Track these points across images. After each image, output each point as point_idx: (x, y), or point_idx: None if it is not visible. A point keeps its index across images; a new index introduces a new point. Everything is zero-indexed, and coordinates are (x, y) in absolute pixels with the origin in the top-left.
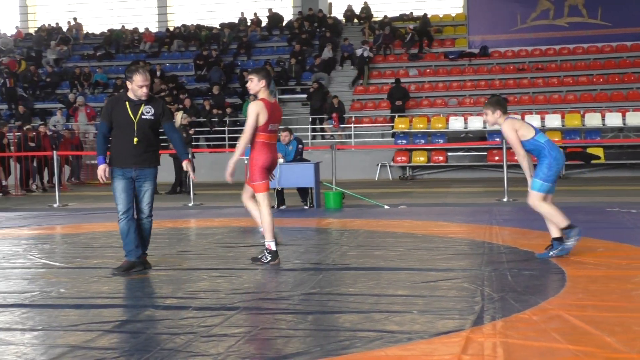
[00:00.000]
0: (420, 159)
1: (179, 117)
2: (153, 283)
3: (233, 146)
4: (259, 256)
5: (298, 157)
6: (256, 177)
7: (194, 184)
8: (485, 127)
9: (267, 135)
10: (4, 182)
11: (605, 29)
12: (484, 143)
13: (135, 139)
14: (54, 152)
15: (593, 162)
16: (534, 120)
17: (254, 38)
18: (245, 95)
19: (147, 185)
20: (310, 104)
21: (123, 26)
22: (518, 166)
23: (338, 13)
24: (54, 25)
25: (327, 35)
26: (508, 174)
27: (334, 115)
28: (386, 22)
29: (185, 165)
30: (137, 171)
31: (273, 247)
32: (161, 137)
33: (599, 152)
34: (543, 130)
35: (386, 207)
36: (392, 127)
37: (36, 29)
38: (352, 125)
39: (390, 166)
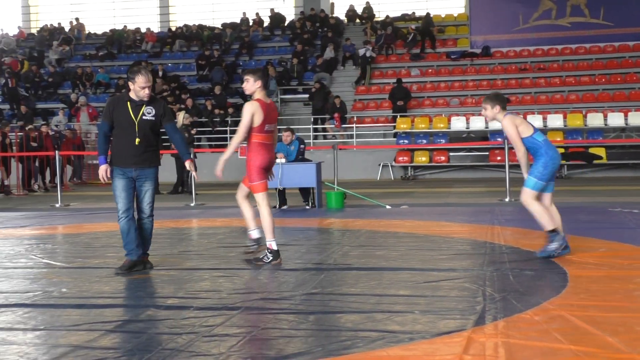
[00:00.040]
0: (422, 159)
1: (181, 117)
2: (155, 283)
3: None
4: (261, 256)
5: (300, 157)
6: (254, 178)
7: (196, 184)
8: (487, 127)
9: (264, 136)
10: (5, 182)
11: (607, 28)
12: (486, 143)
13: (137, 140)
14: (56, 152)
15: (595, 162)
16: (536, 120)
17: (256, 38)
18: (247, 96)
19: (147, 185)
20: (312, 104)
21: (125, 26)
22: (520, 166)
23: (340, 13)
24: (56, 26)
25: (329, 35)
26: (510, 174)
27: (336, 115)
28: (388, 22)
29: (188, 165)
30: (137, 171)
31: (274, 247)
32: (163, 137)
33: (601, 152)
34: (545, 130)
35: (388, 207)
36: (394, 127)
37: (38, 29)
38: (354, 125)
39: (392, 166)
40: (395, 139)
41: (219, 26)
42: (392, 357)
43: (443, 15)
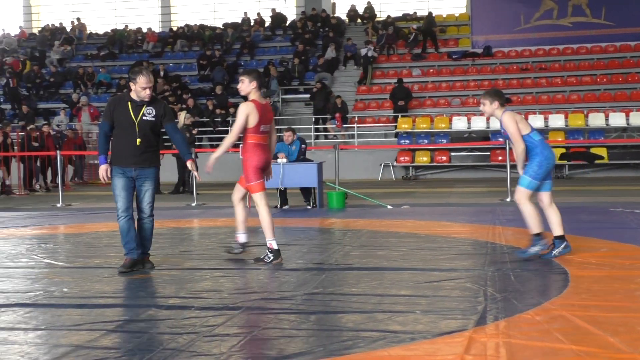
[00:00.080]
0: (423, 159)
1: (182, 117)
2: (156, 283)
3: (236, 146)
4: (262, 256)
5: (301, 157)
6: (251, 178)
7: (197, 184)
8: (488, 127)
9: (259, 137)
10: (7, 182)
11: (608, 28)
12: (487, 143)
13: (138, 140)
14: (58, 152)
15: (596, 162)
16: (538, 120)
17: (257, 38)
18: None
19: (147, 185)
20: (314, 104)
21: (126, 26)
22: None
23: (341, 13)
24: (58, 25)
25: (331, 35)
26: (511, 174)
27: (337, 115)
28: (389, 22)
29: (189, 165)
30: (137, 171)
31: (275, 246)
32: (164, 136)
33: (603, 152)
34: (546, 130)
35: (389, 207)
36: (395, 127)
37: (40, 29)
38: (355, 125)
39: (393, 166)
40: (396, 139)
41: (221, 26)
42: (393, 357)
43: (444, 15)
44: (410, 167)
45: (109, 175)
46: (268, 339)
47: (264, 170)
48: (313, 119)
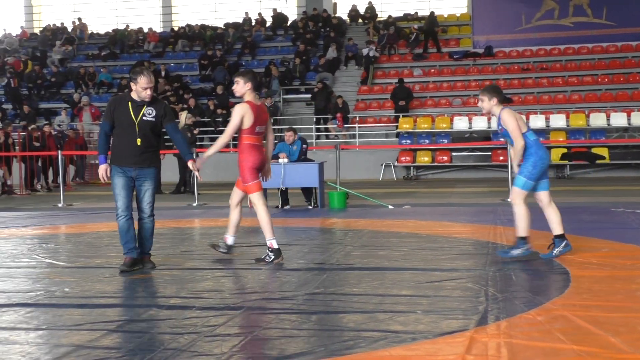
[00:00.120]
0: (424, 159)
1: (184, 117)
2: (157, 283)
3: (237, 146)
4: (263, 256)
5: (302, 157)
6: (247, 178)
7: (198, 184)
8: (489, 127)
9: (254, 138)
10: (8, 182)
11: (610, 28)
12: (489, 143)
13: (138, 140)
14: (59, 152)
15: (598, 162)
16: (539, 120)
17: (259, 38)
18: None
19: (147, 185)
20: (315, 103)
21: (127, 26)
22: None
23: (342, 13)
24: (59, 25)
25: (332, 35)
26: (512, 174)
27: (338, 115)
28: (390, 22)
29: (191, 165)
30: (136, 171)
31: (275, 245)
32: (165, 136)
33: (604, 152)
34: (548, 130)
35: (390, 207)
36: (397, 127)
37: (41, 29)
38: (357, 125)
39: (394, 166)
40: (397, 139)
41: (222, 26)
42: (394, 357)
43: (446, 15)
44: (412, 167)
45: (109, 175)
46: (269, 339)
47: (260, 171)
48: (314, 119)
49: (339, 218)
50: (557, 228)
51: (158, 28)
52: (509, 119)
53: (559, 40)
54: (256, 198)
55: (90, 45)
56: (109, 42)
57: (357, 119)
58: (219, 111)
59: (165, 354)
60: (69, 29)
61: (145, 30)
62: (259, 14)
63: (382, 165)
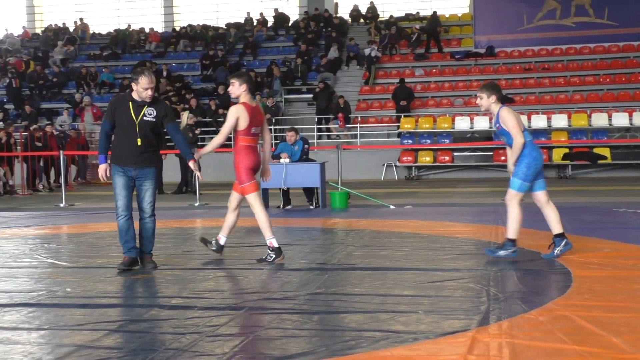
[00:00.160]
0: (426, 159)
1: (185, 117)
2: (159, 283)
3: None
4: (264, 256)
5: (304, 157)
6: (244, 179)
7: (200, 184)
8: (491, 127)
9: (250, 139)
10: (10, 182)
11: (612, 28)
12: (490, 143)
13: (139, 140)
14: (61, 152)
15: (599, 162)
16: (540, 120)
17: (260, 38)
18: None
19: (147, 185)
20: (316, 104)
21: (129, 26)
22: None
23: (344, 13)
24: (61, 26)
25: (333, 35)
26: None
27: (340, 115)
28: (392, 21)
29: (191, 165)
30: (137, 170)
31: (275, 244)
32: (167, 137)
33: (606, 152)
34: (549, 130)
35: (392, 207)
36: (398, 127)
37: (43, 29)
38: (358, 125)
39: (396, 166)
40: (399, 139)
41: (223, 26)
42: (396, 357)
43: (447, 15)
44: (413, 167)
45: (108, 175)
46: (271, 339)
47: (256, 171)
48: (316, 119)
49: (340, 218)
50: (556, 227)
51: (160, 28)
52: (509, 117)
53: (561, 40)
54: (253, 198)
55: (92, 45)
56: (111, 42)
57: (359, 119)
58: (220, 111)
59: (167, 354)
60: (71, 29)
61: (147, 30)
62: (261, 14)
63: (383, 165)
